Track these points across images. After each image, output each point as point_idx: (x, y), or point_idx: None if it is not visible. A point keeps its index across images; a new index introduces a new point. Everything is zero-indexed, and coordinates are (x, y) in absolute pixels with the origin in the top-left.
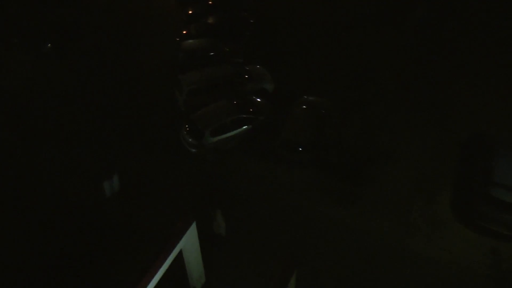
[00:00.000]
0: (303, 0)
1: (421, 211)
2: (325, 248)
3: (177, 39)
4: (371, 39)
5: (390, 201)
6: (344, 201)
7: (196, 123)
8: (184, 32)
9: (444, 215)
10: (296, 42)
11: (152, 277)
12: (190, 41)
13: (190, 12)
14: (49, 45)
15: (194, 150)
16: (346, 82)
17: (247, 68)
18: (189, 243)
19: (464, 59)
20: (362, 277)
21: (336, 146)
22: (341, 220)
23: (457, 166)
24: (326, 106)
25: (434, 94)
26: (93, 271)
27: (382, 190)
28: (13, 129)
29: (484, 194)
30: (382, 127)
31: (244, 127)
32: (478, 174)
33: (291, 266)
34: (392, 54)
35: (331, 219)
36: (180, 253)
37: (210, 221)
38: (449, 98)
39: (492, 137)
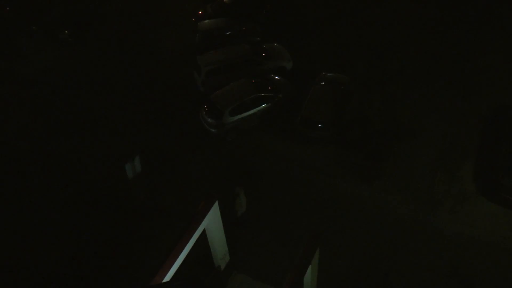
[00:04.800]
0: None
1: (444, 186)
2: (347, 225)
3: (194, 19)
4: (392, 13)
5: (413, 176)
6: (366, 178)
7: (215, 103)
8: (200, 12)
9: (467, 190)
10: (314, 18)
11: (177, 256)
12: (207, 21)
13: None
14: (67, 31)
15: (213, 130)
16: (367, 58)
17: (265, 47)
18: (212, 222)
19: (487, 31)
20: (385, 253)
21: (357, 122)
22: (363, 197)
23: (481, 139)
24: (346, 82)
25: (457, 68)
26: (118, 251)
27: (404, 165)
28: (36, 115)
29: (508, 166)
30: (404, 102)
31: (263, 105)
32: (502, 147)
33: (314, 243)
34: (414, 28)
35: (353, 196)
36: (204, 232)
37: (233, 201)
38: (472, 72)
39: None
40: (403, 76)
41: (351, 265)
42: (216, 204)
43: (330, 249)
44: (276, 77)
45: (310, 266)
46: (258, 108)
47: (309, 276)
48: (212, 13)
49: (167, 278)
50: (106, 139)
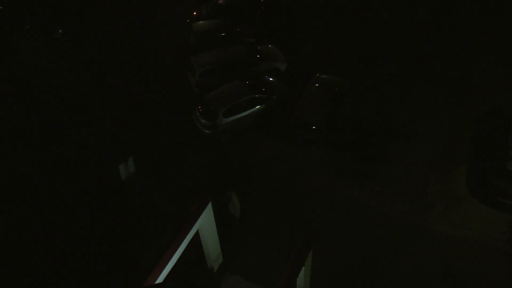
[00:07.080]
0: None
1: (437, 188)
2: (340, 227)
3: (188, 20)
4: (386, 16)
5: (406, 179)
6: (359, 179)
7: (209, 104)
8: (195, 13)
9: (460, 192)
10: (309, 20)
11: (170, 258)
12: (201, 22)
13: None
14: (60, 31)
15: (207, 131)
16: (361, 60)
17: (259, 48)
18: (205, 223)
19: (480, 34)
20: (378, 255)
21: (351, 124)
22: (356, 198)
23: (473, 141)
24: (340, 84)
25: (450, 70)
26: (111, 252)
27: (398, 168)
28: (29, 115)
29: (500, 168)
30: (398, 104)
31: (257, 107)
32: (494, 149)
33: (307, 245)
34: (408, 31)
35: (346, 197)
36: (197, 234)
37: (226, 203)
38: (465, 74)
39: (508, 112)
40: (397, 78)
41: (345, 267)
42: (210, 205)
43: (323, 250)
44: (270, 79)
45: (303, 267)
46: (252, 110)
47: (302, 277)
48: (207, 14)
49: (160, 279)
50: (100, 140)
